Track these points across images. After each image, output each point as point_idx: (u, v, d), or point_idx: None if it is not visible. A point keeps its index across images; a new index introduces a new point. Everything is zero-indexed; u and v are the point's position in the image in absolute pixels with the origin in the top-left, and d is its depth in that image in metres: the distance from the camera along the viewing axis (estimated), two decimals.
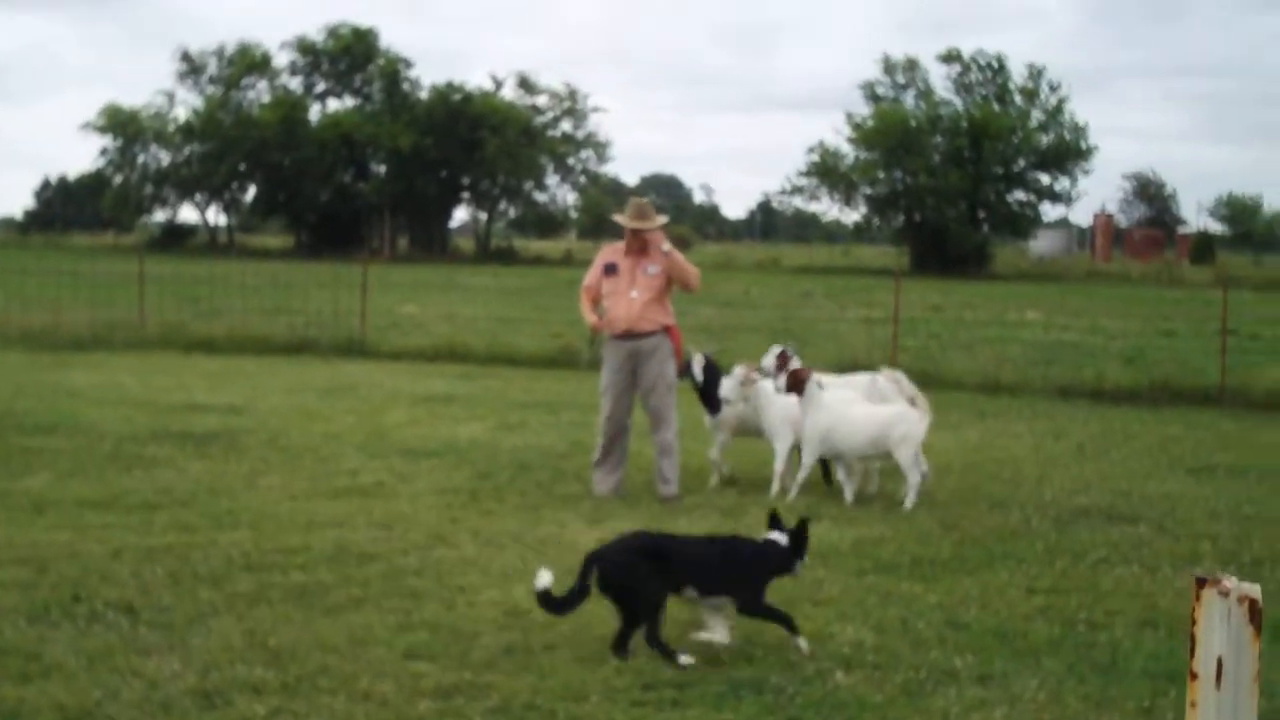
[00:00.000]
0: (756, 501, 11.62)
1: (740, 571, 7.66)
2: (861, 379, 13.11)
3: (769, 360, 12.69)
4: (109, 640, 7.42)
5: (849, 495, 11.99)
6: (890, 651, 7.60)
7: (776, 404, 12.20)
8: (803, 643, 7.46)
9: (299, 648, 7.37)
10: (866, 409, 12.22)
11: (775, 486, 12.12)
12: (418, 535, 10.13)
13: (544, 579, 7.36)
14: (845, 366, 21.56)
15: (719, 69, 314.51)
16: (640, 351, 11.97)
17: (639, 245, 12.05)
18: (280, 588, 8.58)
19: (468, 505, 11.32)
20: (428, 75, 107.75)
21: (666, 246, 12.02)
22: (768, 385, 12.29)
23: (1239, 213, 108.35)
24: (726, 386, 12.11)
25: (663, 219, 12.27)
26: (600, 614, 8.07)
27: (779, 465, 12.26)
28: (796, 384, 11.98)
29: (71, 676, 6.85)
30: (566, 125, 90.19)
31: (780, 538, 7.87)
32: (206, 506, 10.96)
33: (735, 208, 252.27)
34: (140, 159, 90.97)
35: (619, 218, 12.29)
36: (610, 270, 12.17)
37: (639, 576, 7.42)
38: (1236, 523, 11.25)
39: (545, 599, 7.39)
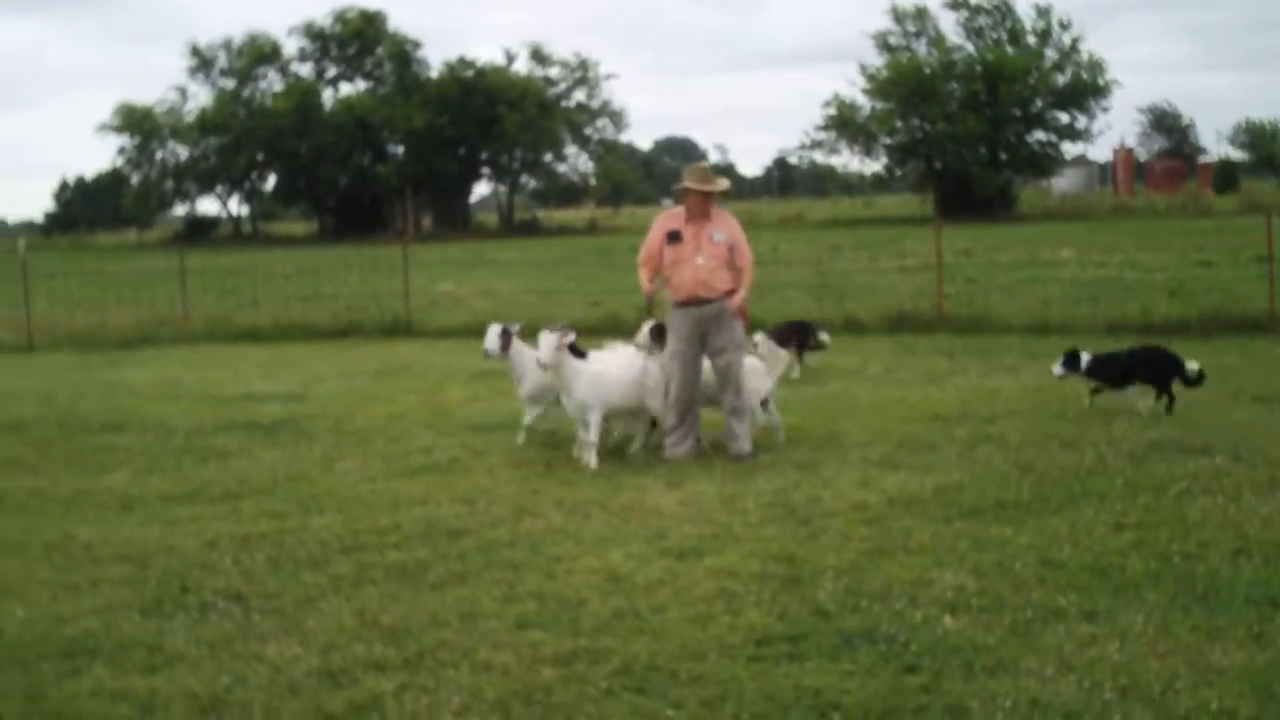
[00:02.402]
0: (832, 456, 11.71)
1: None
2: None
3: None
4: (225, 628, 7.54)
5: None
6: (993, 594, 7.66)
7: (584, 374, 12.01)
8: None
9: (412, 624, 7.47)
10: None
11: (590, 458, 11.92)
12: (503, 508, 10.20)
13: None
14: (892, 317, 21.74)
15: (712, 30, 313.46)
16: (707, 316, 11.96)
17: (702, 210, 12.05)
18: (380, 567, 8.69)
19: (545, 476, 11.39)
20: (431, 54, 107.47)
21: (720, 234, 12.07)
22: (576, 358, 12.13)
23: (1259, 139, 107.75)
24: (544, 353, 11.87)
25: (724, 183, 12.29)
26: (698, 577, 8.18)
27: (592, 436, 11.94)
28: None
29: (196, 665, 6.97)
30: (580, 95, 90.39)
31: None
32: (289, 493, 11.06)
33: (751, 165, 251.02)
34: (158, 155, 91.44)
35: (683, 183, 12.13)
36: (673, 238, 12.07)
37: None
38: None
39: None
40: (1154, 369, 13.41)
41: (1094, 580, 7.88)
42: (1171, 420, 12.80)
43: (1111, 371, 13.54)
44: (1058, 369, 13.59)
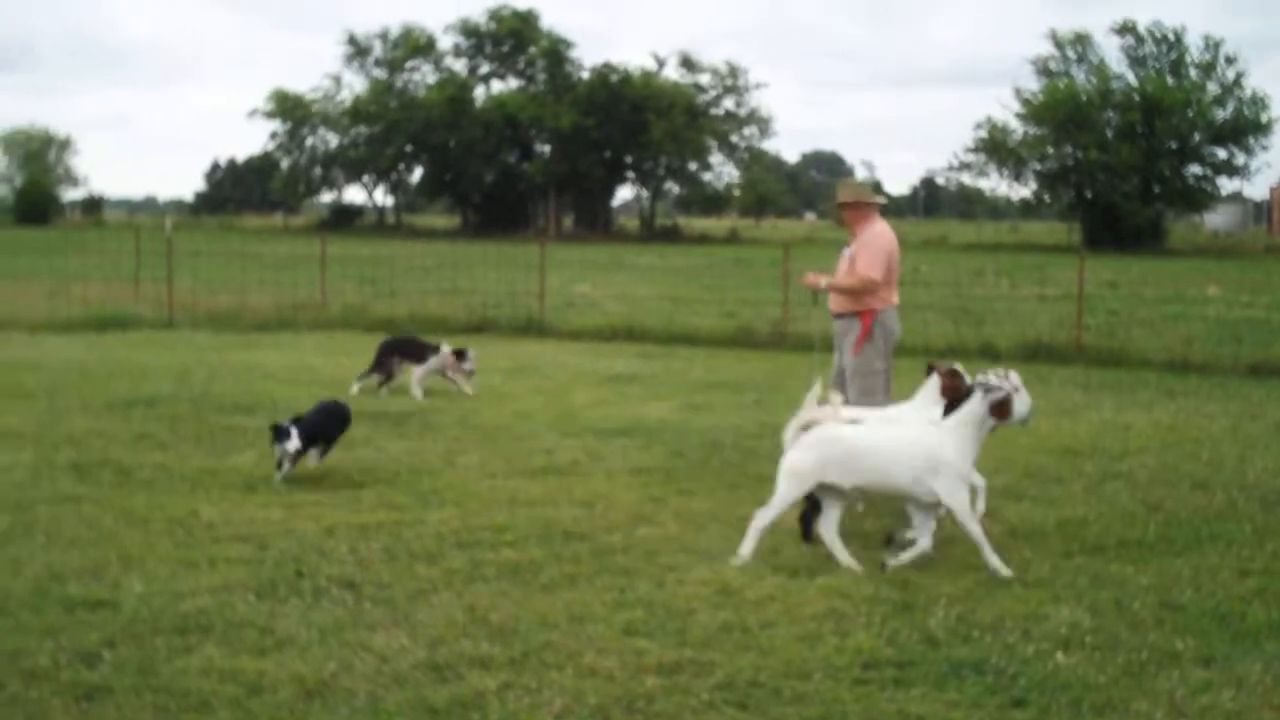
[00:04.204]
0: None
1: None
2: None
3: None
4: (336, 615, 7.62)
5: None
6: (1108, 633, 7.53)
7: None
8: None
9: (520, 624, 7.50)
10: None
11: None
12: (619, 514, 10.21)
13: None
14: (1029, 346, 21.45)
15: (866, 45, 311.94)
16: (835, 333, 11.92)
17: (850, 225, 11.89)
18: (493, 565, 8.73)
19: (665, 484, 11.38)
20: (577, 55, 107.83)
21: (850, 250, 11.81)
22: None
23: None
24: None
25: (847, 192, 12.04)
26: (809, 595, 8.12)
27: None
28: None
29: (305, 650, 7.05)
30: (728, 103, 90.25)
31: None
32: (410, 485, 11.17)
33: (898, 184, 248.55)
34: (308, 141, 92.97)
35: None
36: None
37: None
38: None
39: None
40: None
41: (1213, 625, 7.71)
42: None
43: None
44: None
